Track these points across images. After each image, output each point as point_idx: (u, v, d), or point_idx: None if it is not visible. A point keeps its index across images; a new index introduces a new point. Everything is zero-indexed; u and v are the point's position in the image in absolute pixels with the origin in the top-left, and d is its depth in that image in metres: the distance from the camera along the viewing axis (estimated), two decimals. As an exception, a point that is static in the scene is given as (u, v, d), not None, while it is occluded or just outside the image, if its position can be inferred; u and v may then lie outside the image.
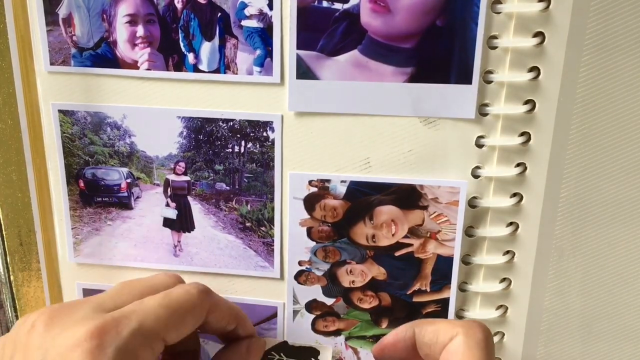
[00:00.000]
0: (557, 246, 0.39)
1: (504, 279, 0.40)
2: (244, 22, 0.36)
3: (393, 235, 0.39)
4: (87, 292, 0.44)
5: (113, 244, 0.43)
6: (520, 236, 0.39)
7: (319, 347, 0.37)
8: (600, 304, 0.40)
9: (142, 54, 0.38)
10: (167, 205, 0.41)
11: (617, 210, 0.38)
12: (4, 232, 0.43)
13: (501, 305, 0.40)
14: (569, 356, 0.41)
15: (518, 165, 0.37)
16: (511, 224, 0.39)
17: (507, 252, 0.39)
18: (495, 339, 0.41)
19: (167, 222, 0.42)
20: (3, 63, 0.39)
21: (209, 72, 0.37)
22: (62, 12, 0.38)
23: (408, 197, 0.38)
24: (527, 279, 0.40)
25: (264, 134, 0.38)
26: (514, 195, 0.38)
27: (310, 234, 0.40)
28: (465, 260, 0.40)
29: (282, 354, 0.36)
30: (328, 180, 0.39)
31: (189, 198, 0.41)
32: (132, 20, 0.37)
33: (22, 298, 0.44)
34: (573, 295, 0.40)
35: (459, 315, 0.41)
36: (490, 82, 0.36)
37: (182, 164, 0.40)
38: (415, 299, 0.41)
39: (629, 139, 0.36)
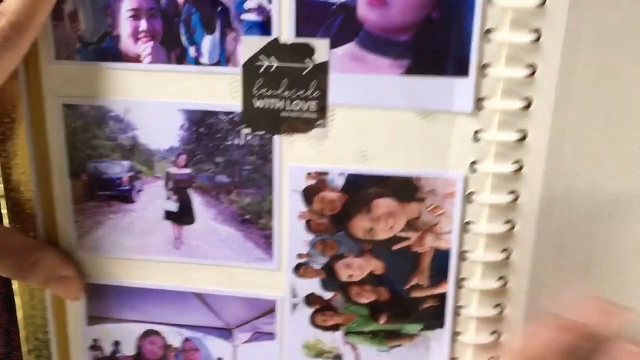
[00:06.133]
0: (554, 244, 0.39)
1: (501, 277, 0.40)
2: (244, 16, 0.37)
3: (391, 228, 0.39)
4: (89, 287, 0.45)
5: (115, 237, 0.43)
6: (517, 234, 0.39)
7: (314, 42, 0.35)
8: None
9: (144, 48, 0.38)
10: (169, 198, 0.42)
11: (616, 208, 0.38)
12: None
13: (498, 304, 0.40)
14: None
15: (515, 161, 0.37)
16: (508, 220, 0.39)
17: (504, 249, 0.39)
18: (493, 337, 0.41)
19: (169, 215, 0.42)
20: (9, 56, 0.40)
21: (210, 65, 0.38)
22: (67, 7, 0.39)
23: (405, 189, 0.38)
24: (524, 276, 0.39)
25: (264, 127, 0.39)
26: (511, 191, 0.38)
27: (309, 226, 0.40)
28: (463, 257, 0.40)
29: (272, 58, 0.34)
30: (326, 173, 0.39)
31: (190, 191, 0.41)
32: (135, 15, 0.38)
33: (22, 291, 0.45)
34: (570, 293, 0.40)
35: (456, 313, 0.41)
36: (486, 75, 0.36)
37: (184, 157, 0.41)
38: (413, 294, 0.41)
39: (626, 136, 0.36)
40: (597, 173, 0.37)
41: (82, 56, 0.39)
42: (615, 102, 0.36)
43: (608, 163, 0.37)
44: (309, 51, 0.36)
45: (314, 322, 0.43)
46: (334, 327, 0.42)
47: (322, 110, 0.38)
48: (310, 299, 0.42)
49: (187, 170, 0.41)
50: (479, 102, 0.37)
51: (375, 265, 0.41)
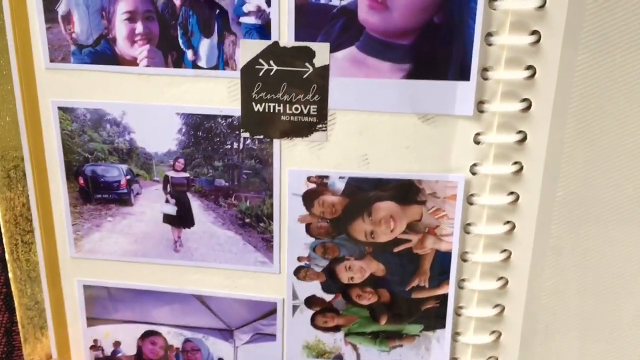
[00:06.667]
0: (553, 245, 0.39)
1: (501, 277, 0.40)
2: (243, 19, 0.36)
3: (392, 231, 0.39)
4: (87, 289, 0.45)
5: (114, 240, 0.43)
6: (516, 234, 0.39)
7: (315, 46, 0.35)
8: (597, 302, 0.40)
9: (141, 51, 0.38)
10: (167, 201, 0.41)
11: (614, 209, 0.38)
12: (2, 230, 0.43)
13: (498, 304, 0.41)
14: (565, 355, 0.41)
15: (515, 163, 0.37)
16: (508, 222, 0.39)
17: (504, 250, 0.39)
18: (492, 337, 0.41)
19: (167, 218, 0.42)
20: (1, 61, 0.39)
21: (207, 68, 0.38)
22: (61, 9, 0.38)
23: (406, 192, 0.38)
24: (523, 277, 0.40)
25: (263, 130, 0.38)
26: (511, 193, 0.38)
27: (309, 230, 0.40)
28: (463, 258, 0.40)
29: (271, 62, 0.34)
30: (326, 177, 0.39)
31: (189, 194, 0.41)
32: (131, 17, 0.37)
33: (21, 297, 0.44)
34: (570, 293, 0.40)
35: (457, 313, 0.41)
36: (487, 79, 0.36)
37: (182, 161, 0.40)
38: (414, 295, 0.41)
39: (625, 137, 0.36)
40: (595, 175, 0.37)
41: (76, 59, 0.39)
42: (614, 103, 0.36)
43: (607, 165, 0.37)
44: (309, 55, 0.36)
45: (314, 323, 0.43)
46: (335, 328, 0.43)
47: (322, 114, 0.37)
48: (311, 301, 0.42)
49: (185, 174, 0.41)
50: (479, 105, 0.36)
51: (376, 268, 0.41)
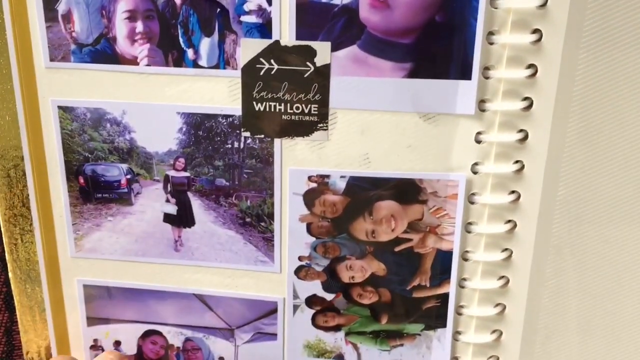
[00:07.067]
0: (554, 244, 0.39)
1: (502, 276, 0.40)
2: (243, 18, 0.36)
3: (393, 230, 0.39)
4: (88, 289, 0.44)
5: (114, 240, 0.43)
6: (518, 234, 0.39)
7: (316, 45, 0.35)
8: (598, 302, 0.40)
9: (141, 50, 0.38)
10: (167, 201, 0.41)
11: (615, 208, 0.38)
12: (2, 230, 0.43)
13: (499, 303, 0.40)
14: (566, 354, 0.41)
15: (516, 162, 0.37)
16: (509, 221, 0.39)
17: (505, 249, 0.39)
18: (493, 337, 0.41)
19: (168, 218, 0.42)
20: (1, 60, 0.39)
21: (208, 67, 0.37)
22: (61, 8, 0.38)
23: (407, 191, 0.38)
24: (524, 276, 0.40)
25: (264, 129, 0.38)
26: (512, 192, 0.38)
27: (310, 229, 0.40)
28: (464, 257, 0.40)
29: (272, 61, 0.34)
30: (327, 176, 0.39)
31: (189, 194, 0.41)
32: (132, 16, 0.37)
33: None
34: (571, 293, 0.40)
35: (458, 312, 0.41)
36: (489, 78, 0.36)
37: (182, 160, 0.40)
38: (415, 295, 0.41)
39: (627, 137, 0.36)
40: (597, 174, 0.37)
41: (77, 58, 0.39)
42: (616, 102, 0.36)
43: (608, 164, 0.37)
44: (310, 54, 0.36)
45: (315, 322, 0.43)
46: (336, 328, 0.43)
47: (323, 114, 0.37)
48: (312, 300, 0.42)
49: (185, 173, 0.40)
50: (481, 104, 0.36)
51: (377, 267, 0.41)
